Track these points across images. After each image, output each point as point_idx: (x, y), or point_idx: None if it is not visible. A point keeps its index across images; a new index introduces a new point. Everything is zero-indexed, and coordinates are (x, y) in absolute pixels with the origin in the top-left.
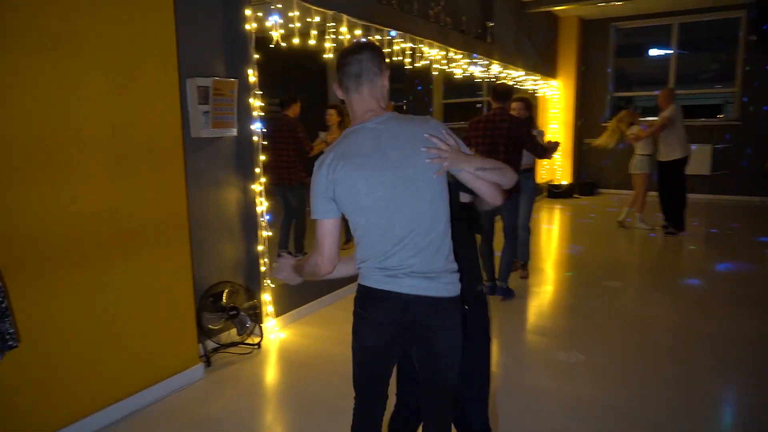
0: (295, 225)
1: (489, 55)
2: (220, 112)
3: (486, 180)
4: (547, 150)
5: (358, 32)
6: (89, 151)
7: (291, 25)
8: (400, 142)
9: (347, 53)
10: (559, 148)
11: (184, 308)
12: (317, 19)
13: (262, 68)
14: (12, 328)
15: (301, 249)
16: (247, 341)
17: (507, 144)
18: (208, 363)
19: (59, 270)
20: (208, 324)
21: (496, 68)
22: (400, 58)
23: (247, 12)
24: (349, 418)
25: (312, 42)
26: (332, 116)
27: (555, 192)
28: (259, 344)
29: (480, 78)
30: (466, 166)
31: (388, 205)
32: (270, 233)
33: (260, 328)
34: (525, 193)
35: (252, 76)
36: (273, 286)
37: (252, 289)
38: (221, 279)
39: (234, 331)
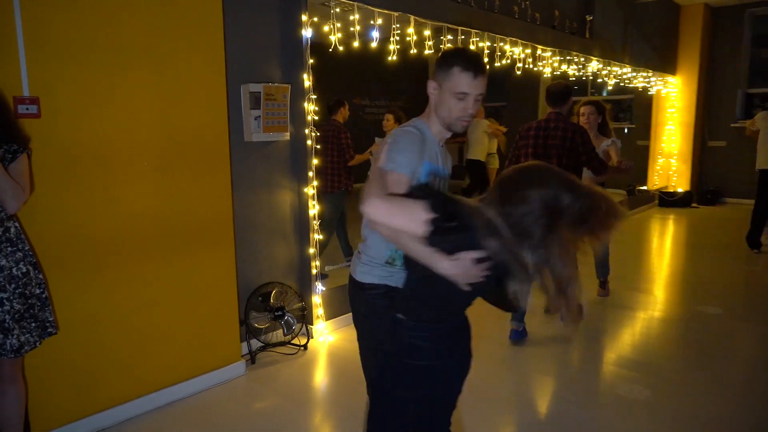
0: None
1: (587, 51)
2: (272, 116)
3: None
4: (607, 167)
5: (427, 32)
6: (139, 154)
7: (351, 29)
8: None
9: None
10: (632, 170)
11: (227, 307)
12: (380, 21)
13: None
14: (52, 316)
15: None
16: (293, 342)
17: (560, 155)
18: (252, 360)
19: (108, 265)
20: (254, 322)
21: (598, 65)
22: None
23: (303, 17)
24: None
25: (379, 43)
26: (389, 122)
27: (668, 200)
28: (305, 346)
29: (575, 76)
30: None
31: None
32: (321, 236)
33: (308, 329)
34: None
35: (306, 80)
36: (324, 289)
37: (302, 291)
38: (271, 279)
39: (281, 331)
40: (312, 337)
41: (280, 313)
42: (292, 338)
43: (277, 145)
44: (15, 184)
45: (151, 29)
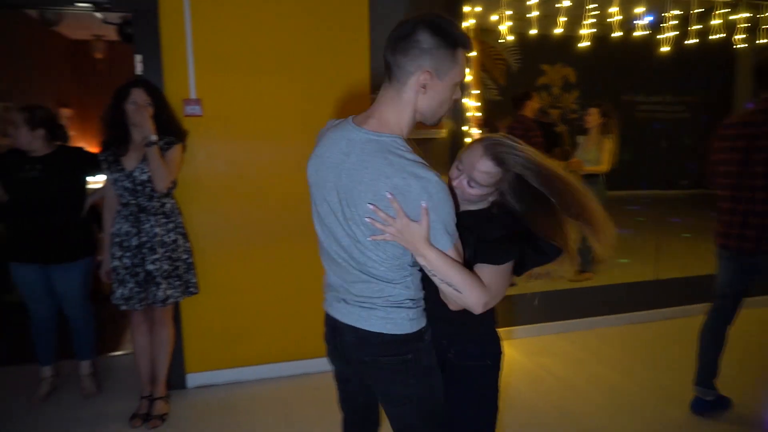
0: None
1: None
2: None
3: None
4: None
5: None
6: (284, 150)
7: (529, 15)
8: None
9: None
10: None
11: None
12: (566, 3)
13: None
14: (194, 279)
15: None
16: None
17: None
18: None
19: (254, 246)
20: None
21: None
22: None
23: (466, 9)
24: None
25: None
26: (594, 116)
27: None
28: None
29: None
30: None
31: None
32: None
33: None
34: None
35: (468, 75)
36: None
37: None
38: None
39: None
40: None
41: None
42: None
43: (433, 143)
44: (166, 169)
45: (298, 39)
